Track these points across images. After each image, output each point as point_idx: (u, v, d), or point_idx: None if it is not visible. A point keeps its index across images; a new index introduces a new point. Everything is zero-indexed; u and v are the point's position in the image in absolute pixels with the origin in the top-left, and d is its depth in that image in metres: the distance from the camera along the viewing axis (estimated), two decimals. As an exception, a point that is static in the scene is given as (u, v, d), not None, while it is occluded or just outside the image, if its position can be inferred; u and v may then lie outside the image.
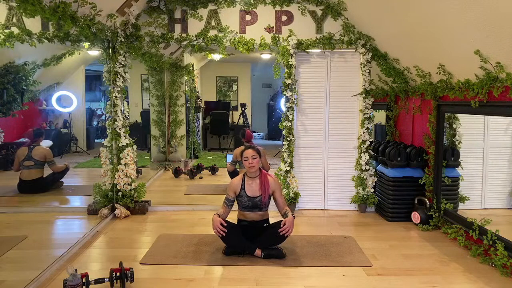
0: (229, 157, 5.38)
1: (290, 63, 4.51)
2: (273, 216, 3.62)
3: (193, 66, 7.95)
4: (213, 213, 3.29)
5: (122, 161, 4.41)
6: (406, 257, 3.31)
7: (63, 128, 8.85)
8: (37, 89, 7.59)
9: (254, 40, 4.55)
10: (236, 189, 3.38)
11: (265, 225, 3.43)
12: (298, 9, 4.58)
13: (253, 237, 3.29)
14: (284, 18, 4.61)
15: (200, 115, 9.35)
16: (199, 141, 8.90)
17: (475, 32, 2.84)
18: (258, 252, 3.22)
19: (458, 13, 2.86)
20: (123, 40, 4.39)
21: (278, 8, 4.60)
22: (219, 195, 5.03)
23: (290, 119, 4.58)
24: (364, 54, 4.57)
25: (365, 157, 4.59)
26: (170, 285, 2.81)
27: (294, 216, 3.24)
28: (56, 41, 4.23)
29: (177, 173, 6.57)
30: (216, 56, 6.93)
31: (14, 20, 4.18)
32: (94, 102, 11.30)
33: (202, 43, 4.60)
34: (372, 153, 4.71)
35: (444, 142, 3.96)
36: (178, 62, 7.39)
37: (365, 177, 4.61)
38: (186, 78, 7.71)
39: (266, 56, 8.60)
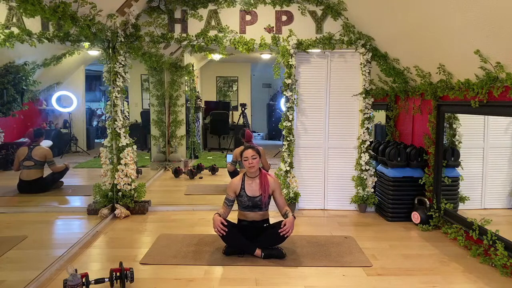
0: (229, 157, 5.38)
1: (290, 63, 4.51)
2: (274, 216, 3.62)
3: (193, 66, 7.95)
4: (213, 213, 3.29)
5: (122, 161, 4.41)
6: (406, 257, 3.31)
7: (63, 128, 8.84)
8: (37, 89, 7.60)
9: (254, 40, 4.55)
10: (236, 189, 3.38)
11: (265, 225, 3.43)
12: (298, 9, 4.58)
13: (253, 237, 3.29)
14: (284, 18, 4.61)
15: (200, 115, 9.35)
16: (199, 141, 8.90)
17: (475, 32, 2.84)
18: (258, 252, 3.22)
19: (458, 13, 2.86)
20: (123, 40, 4.39)
21: (278, 8, 4.60)
22: (219, 195, 5.03)
23: (290, 119, 4.58)
24: (364, 54, 4.57)
25: (365, 157, 4.59)
26: (170, 285, 2.81)
27: (294, 217, 3.24)
28: (56, 41, 4.23)
29: (177, 173, 6.57)
30: (216, 56, 6.93)
31: (14, 20, 4.18)
32: (94, 102, 11.30)
33: (202, 43, 4.60)
34: (372, 153, 4.71)
35: (444, 142, 3.96)
36: (178, 62, 7.39)
37: (365, 177, 4.61)
38: (186, 78, 7.71)
39: (266, 56, 8.60)
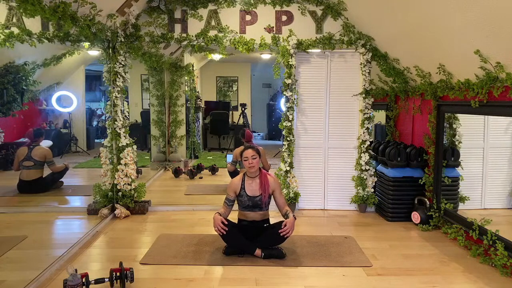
0: (229, 157, 5.38)
1: (290, 63, 4.51)
2: (274, 216, 3.62)
3: (193, 66, 7.95)
4: (213, 213, 3.29)
5: (122, 161, 4.41)
6: (406, 257, 3.31)
7: (63, 128, 8.84)
8: (37, 89, 7.59)
9: (254, 40, 4.55)
10: (236, 188, 3.39)
11: (265, 225, 3.43)
12: (298, 9, 4.58)
13: (253, 237, 3.29)
14: (284, 18, 4.61)
15: (200, 115, 9.35)
16: (199, 141, 8.90)
17: (475, 32, 2.84)
18: (258, 252, 3.22)
19: (458, 13, 2.86)
20: (123, 40, 4.39)
21: (278, 8, 4.60)
22: (219, 195, 5.03)
23: (290, 119, 4.58)
24: (364, 54, 4.57)
25: (365, 157, 4.59)
26: (170, 285, 2.81)
27: (295, 217, 3.25)
28: (56, 41, 4.23)
29: (177, 173, 6.57)
30: (216, 56, 6.93)
31: (14, 20, 4.18)
32: (94, 102, 11.30)
33: (202, 43, 4.60)
34: (372, 153, 4.71)
35: (444, 142, 3.96)
36: (178, 62, 7.39)
37: (365, 177, 4.61)
38: (186, 78, 7.71)
39: (266, 56, 8.60)
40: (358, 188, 4.63)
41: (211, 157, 8.69)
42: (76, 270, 2.54)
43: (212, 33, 4.59)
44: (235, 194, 3.39)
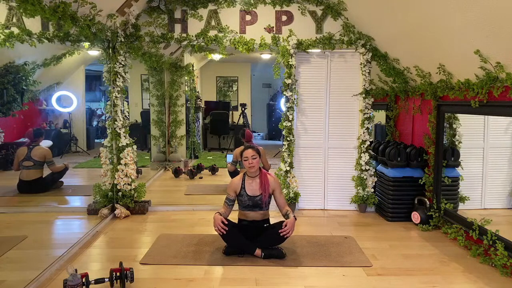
0: (229, 157, 5.38)
1: (290, 63, 4.51)
2: (274, 216, 3.63)
3: (193, 66, 7.95)
4: (213, 213, 3.29)
5: (122, 161, 4.41)
6: (406, 257, 3.31)
7: (63, 128, 8.84)
8: (37, 89, 7.59)
9: (254, 40, 4.55)
10: (236, 188, 3.39)
11: (265, 225, 3.43)
12: (298, 9, 4.58)
13: (253, 237, 3.29)
14: (284, 18, 4.61)
15: (200, 115, 9.35)
16: (199, 141, 8.90)
17: (475, 32, 2.84)
18: (258, 252, 3.22)
19: (458, 13, 2.86)
20: (123, 40, 4.39)
21: (278, 8, 4.60)
22: (219, 195, 5.03)
23: (290, 119, 4.58)
24: (364, 54, 4.57)
25: (365, 157, 4.59)
26: (170, 285, 2.81)
27: (295, 218, 3.25)
28: (56, 41, 4.23)
29: (177, 173, 6.57)
30: (216, 56, 6.93)
31: (14, 20, 4.18)
32: (94, 102, 11.30)
33: (202, 43, 4.60)
34: (372, 153, 4.71)
35: (444, 142, 3.96)
36: (178, 62, 7.39)
37: (365, 177, 4.61)
38: (186, 78, 7.71)
39: (266, 56, 8.60)
40: (358, 188, 4.63)
41: (211, 157, 8.69)
42: (76, 270, 2.54)
43: (212, 33, 4.59)
44: (235, 193, 3.40)
